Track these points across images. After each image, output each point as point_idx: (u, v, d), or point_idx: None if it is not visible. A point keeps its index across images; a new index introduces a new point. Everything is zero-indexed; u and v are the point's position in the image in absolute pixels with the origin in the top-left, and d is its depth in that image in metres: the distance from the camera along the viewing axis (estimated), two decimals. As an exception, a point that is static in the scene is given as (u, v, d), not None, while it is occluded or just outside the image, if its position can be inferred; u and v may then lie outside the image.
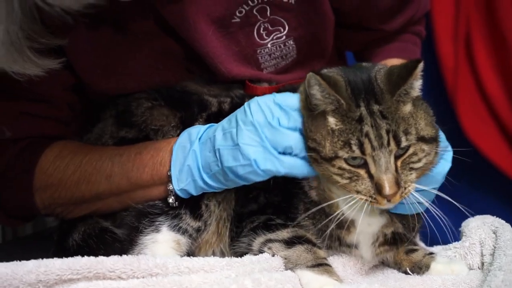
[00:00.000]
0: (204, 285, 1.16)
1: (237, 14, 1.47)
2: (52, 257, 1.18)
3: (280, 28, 1.51)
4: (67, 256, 1.19)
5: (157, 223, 1.35)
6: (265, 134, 1.25)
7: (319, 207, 1.27)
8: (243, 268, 1.22)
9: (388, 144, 1.17)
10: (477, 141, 2.39)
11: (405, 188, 1.19)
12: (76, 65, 1.48)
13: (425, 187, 1.22)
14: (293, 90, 1.45)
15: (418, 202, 1.22)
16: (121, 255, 1.21)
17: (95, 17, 1.34)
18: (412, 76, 1.20)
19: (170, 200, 1.36)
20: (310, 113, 1.24)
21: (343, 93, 1.20)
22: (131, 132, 1.46)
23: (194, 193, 1.35)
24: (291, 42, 1.54)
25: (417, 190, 1.21)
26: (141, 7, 1.40)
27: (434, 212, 1.23)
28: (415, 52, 1.77)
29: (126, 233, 1.36)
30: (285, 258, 1.27)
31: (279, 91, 1.47)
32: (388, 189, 1.17)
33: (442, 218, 1.23)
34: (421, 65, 1.21)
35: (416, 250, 1.35)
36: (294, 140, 1.25)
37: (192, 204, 1.36)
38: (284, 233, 1.29)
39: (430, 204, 1.25)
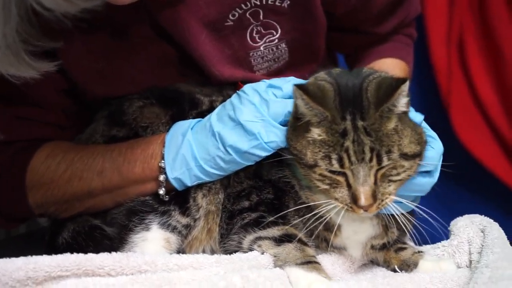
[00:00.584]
0: (193, 282, 1.16)
1: (230, 17, 1.47)
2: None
3: (272, 31, 1.52)
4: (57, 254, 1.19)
5: (147, 221, 1.36)
6: (263, 109, 1.28)
7: (304, 205, 1.29)
8: (232, 265, 1.23)
9: (370, 160, 1.19)
10: (469, 144, 2.40)
11: (382, 200, 1.21)
12: (71, 70, 1.48)
13: (403, 199, 1.24)
14: None
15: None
16: (110, 252, 1.22)
17: (91, 22, 1.35)
18: (394, 95, 1.20)
19: (161, 192, 1.36)
20: (296, 122, 1.25)
21: (329, 104, 1.21)
22: (122, 131, 1.47)
23: (189, 182, 1.35)
24: (284, 45, 1.55)
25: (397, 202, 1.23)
26: (137, 12, 1.41)
27: (421, 213, 1.27)
28: (407, 51, 1.78)
29: (116, 232, 1.37)
30: (275, 256, 1.27)
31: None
32: (363, 200, 1.19)
33: (430, 219, 1.25)
34: (405, 85, 1.21)
35: (405, 248, 1.36)
36: (292, 106, 1.27)
37: (181, 199, 1.37)
38: (275, 231, 1.30)
39: (409, 219, 1.27)
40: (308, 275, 1.21)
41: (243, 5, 1.46)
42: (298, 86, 1.22)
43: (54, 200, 1.46)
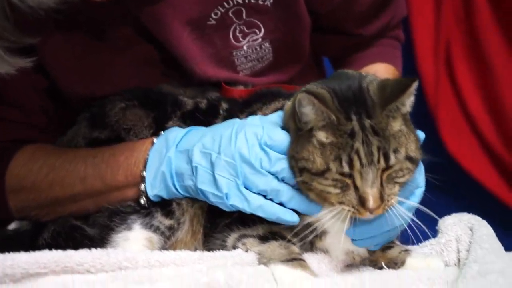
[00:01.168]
0: (175, 278, 1.13)
1: (213, 16, 1.46)
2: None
3: (256, 30, 1.51)
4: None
5: (129, 221, 1.33)
6: (243, 170, 1.24)
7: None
8: (215, 262, 1.20)
9: (378, 161, 1.17)
10: (458, 155, 2.40)
11: (388, 201, 1.20)
12: (49, 66, 1.47)
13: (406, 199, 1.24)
14: (270, 94, 1.45)
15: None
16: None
17: (70, 17, 1.33)
18: (405, 94, 1.20)
19: (142, 201, 1.35)
20: (297, 132, 1.23)
21: (331, 106, 1.19)
22: (104, 133, 1.45)
23: (166, 197, 1.34)
24: (267, 45, 1.54)
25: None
26: (117, 10, 1.40)
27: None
28: (395, 55, 1.77)
29: (97, 232, 1.35)
30: (259, 253, 1.24)
31: (256, 94, 1.47)
32: (372, 203, 1.17)
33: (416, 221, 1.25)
34: (415, 84, 1.20)
35: (392, 247, 1.34)
36: (271, 187, 1.24)
37: (163, 203, 1.35)
38: (259, 229, 1.28)
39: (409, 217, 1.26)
40: (293, 271, 1.19)
41: (225, 4, 1.45)
42: (307, 92, 1.19)
43: (35, 204, 1.44)
